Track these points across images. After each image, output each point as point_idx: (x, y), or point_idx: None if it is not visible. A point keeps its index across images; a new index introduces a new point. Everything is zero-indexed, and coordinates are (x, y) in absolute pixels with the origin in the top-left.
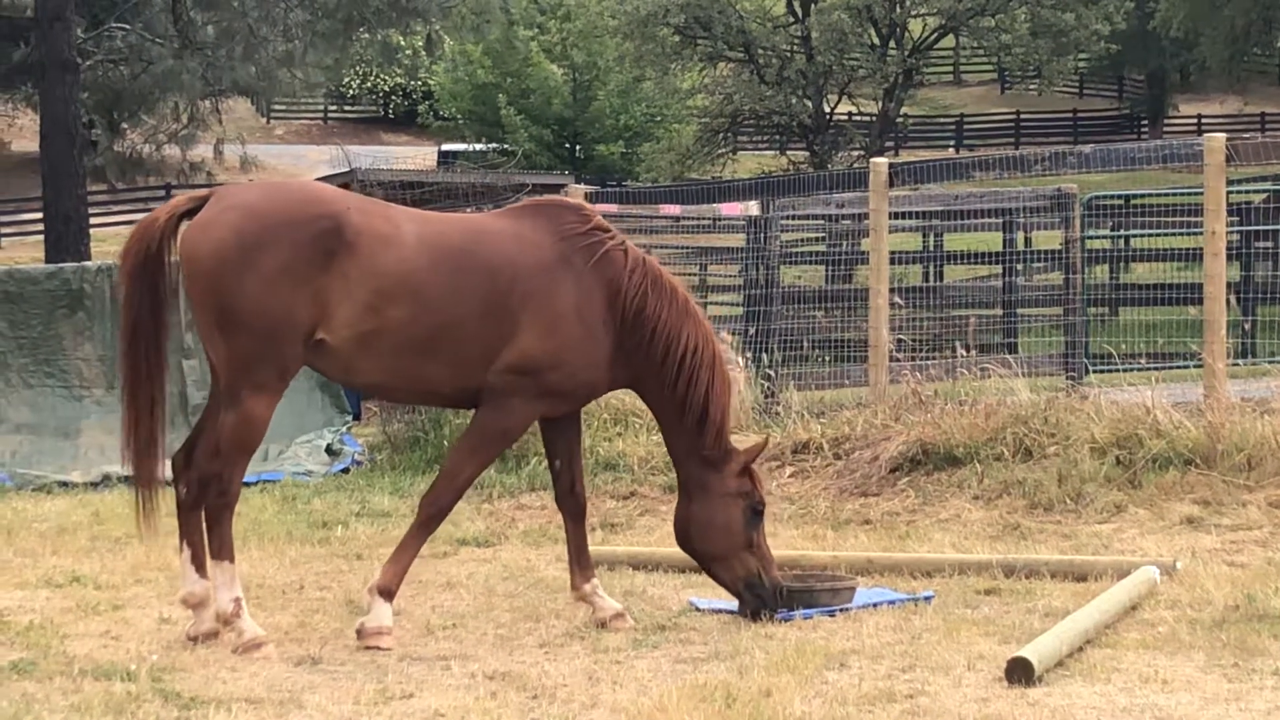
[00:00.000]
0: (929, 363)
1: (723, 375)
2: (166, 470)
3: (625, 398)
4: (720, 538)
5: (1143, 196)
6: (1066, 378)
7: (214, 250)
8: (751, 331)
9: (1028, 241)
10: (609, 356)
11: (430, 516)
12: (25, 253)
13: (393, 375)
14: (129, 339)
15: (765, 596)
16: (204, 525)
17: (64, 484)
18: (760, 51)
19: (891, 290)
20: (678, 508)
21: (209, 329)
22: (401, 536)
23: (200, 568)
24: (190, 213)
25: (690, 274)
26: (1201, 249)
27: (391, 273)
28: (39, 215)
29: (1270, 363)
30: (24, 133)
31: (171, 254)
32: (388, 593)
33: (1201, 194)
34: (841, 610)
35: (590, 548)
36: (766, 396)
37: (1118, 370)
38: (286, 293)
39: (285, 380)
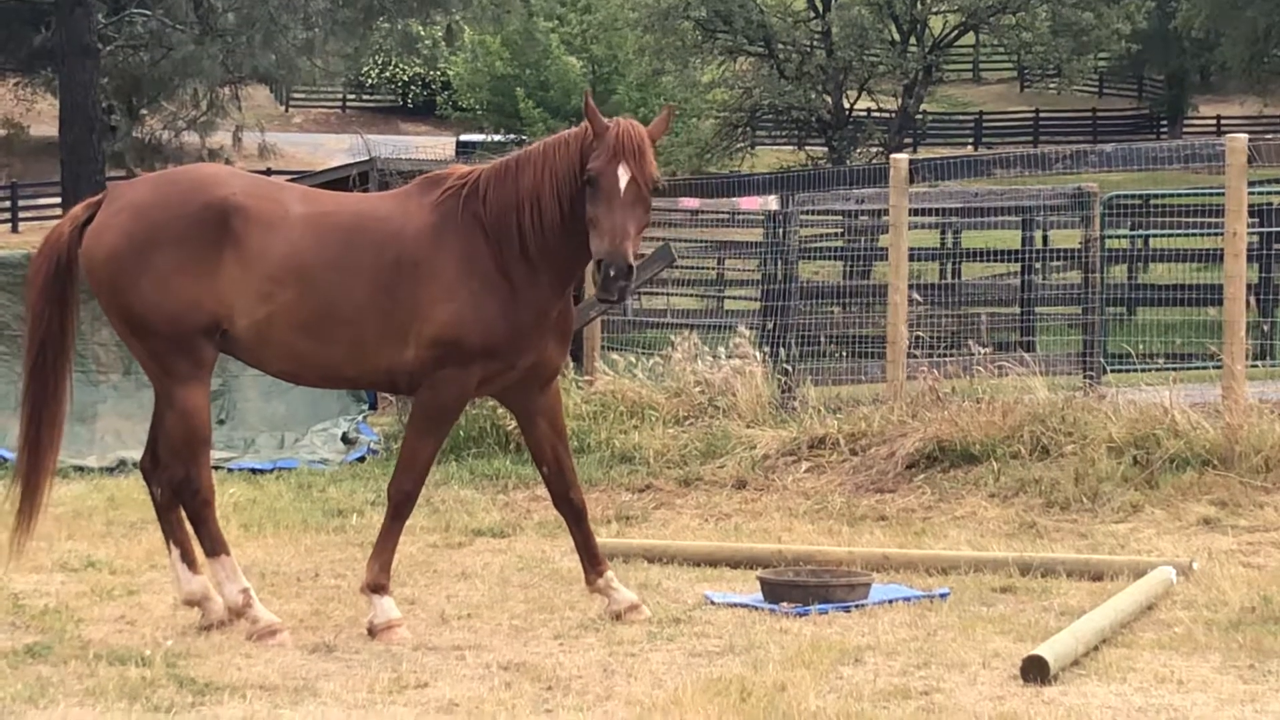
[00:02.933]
0: (946, 360)
1: (559, 149)
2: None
3: (642, 390)
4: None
5: (1162, 196)
6: (1084, 377)
7: (108, 256)
8: (769, 326)
9: (1046, 240)
10: (515, 299)
11: (399, 505)
12: (43, 237)
13: (295, 360)
14: (35, 356)
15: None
16: (186, 524)
17: (80, 468)
18: (780, 46)
19: (910, 287)
20: None
21: (122, 331)
22: (379, 531)
23: (191, 564)
24: (90, 219)
25: (708, 268)
26: (1221, 250)
27: (276, 256)
28: (57, 200)
29: None
30: (43, 117)
31: (78, 265)
32: (379, 587)
33: (1221, 195)
34: (857, 606)
35: (605, 540)
36: (783, 391)
37: (1135, 370)
38: (183, 288)
39: (208, 368)
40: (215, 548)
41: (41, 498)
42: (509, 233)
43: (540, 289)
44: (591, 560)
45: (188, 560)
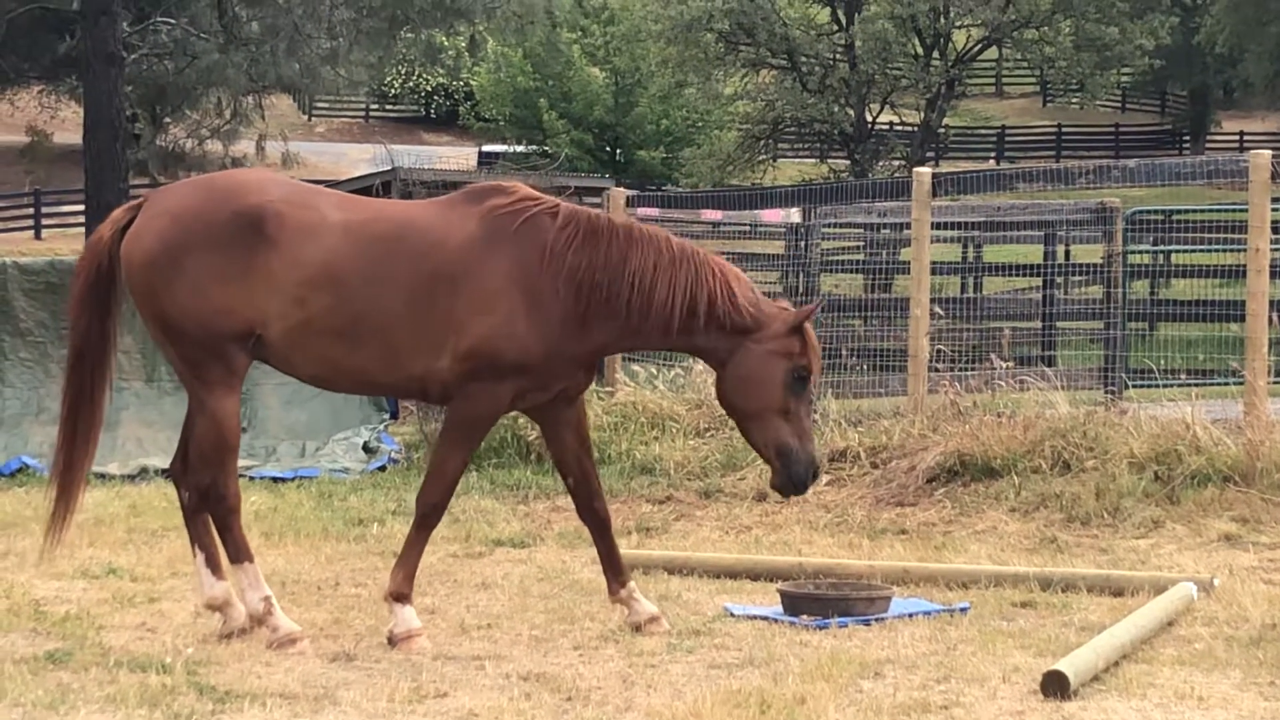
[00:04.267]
0: (968, 374)
1: (698, 264)
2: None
3: (663, 402)
4: (754, 393)
5: (1185, 212)
6: (1105, 392)
7: (144, 261)
8: None
9: (1068, 255)
10: (562, 322)
11: (425, 515)
12: (66, 244)
13: (327, 366)
14: (74, 362)
15: (797, 471)
16: (212, 528)
17: (101, 476)
18: (803, 59)
19: (931, 300)
20: (716, 378)
21: (156, 336)
22: (405, 540)
23: (216, 569)
24: (130, 223)
25: None
26: (1243, 265)
27: (312, 262)
28: (80, 207)
29: None
30: (67, 125)
31: (118, 272)
32: (402, 596)
33: (1244, 210)
34: (877, 620)
35: (626, 551)
36: None
37: (1157, 386)
38: (218, 293)
39: (238, 375)
40: (239, 554)
41: (74, 504)
42: (598, 293)
43: (586, 342)
44: (614, 571)
45: (212, 565)
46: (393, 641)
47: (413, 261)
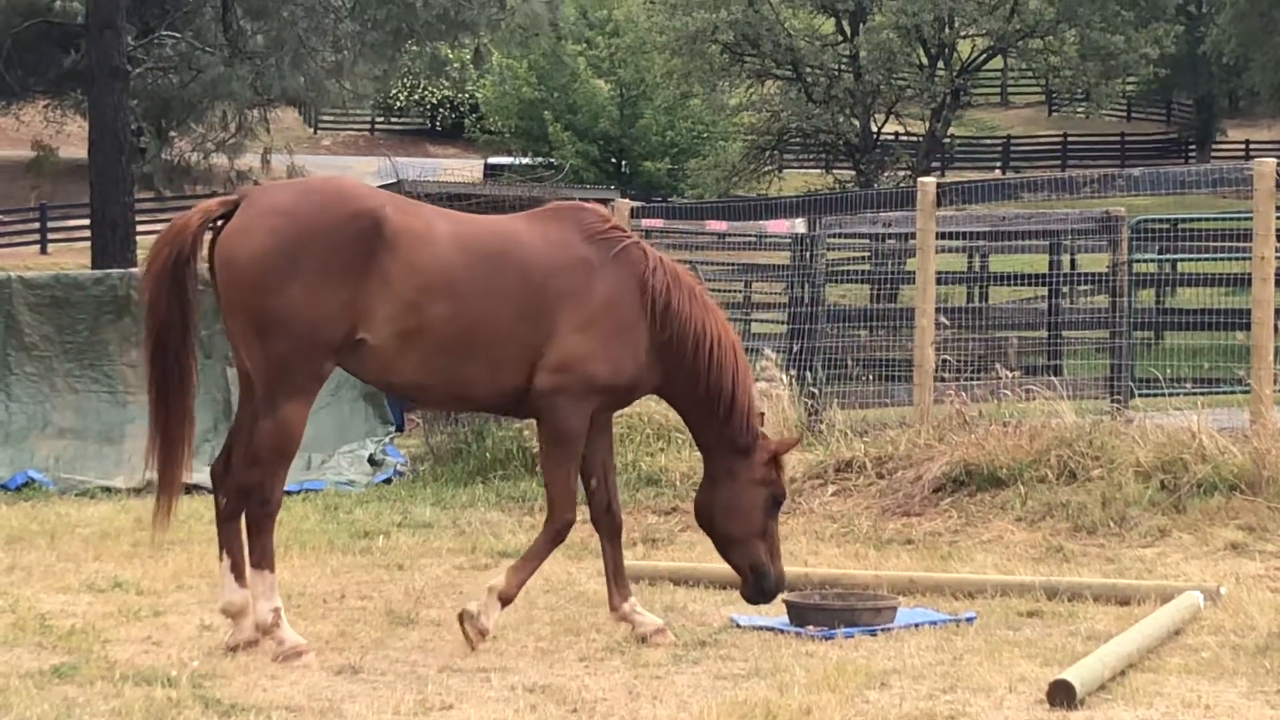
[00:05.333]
0: (973, 383)
1: (744, 364)
2: (191, 477)
3: (670, 414)
4: (741, 521)
5: (1190, 221)
6: (1111, 401)
7: (254, 256)
8: (796, 349)
9: (1073, 264)
10: (646, 350)
11: (559, 531)
12: (72, 259)
13: (431, 375)
14: (156, 345)
15: (768, 585)
16: (244, 534)
17: (107, 489)
18: (808, 70)
19: (937, 310)
20: (701, 489)
21: (246, 335)
22: (529, 548)
23: (240, 577)
24: (223, 217)
25: (735, 291)
26: (1249, 274)
27: (430, 269)
28: (86, 221)
29: None
30: (72, 139)
31: (198, 260)
32: (507, 599)
33: (1249, 219)
34: (883, 630)
35: (631, 562)
36: (810, 414)
37: (1163, 394)
38: (328, 294)
39: (319, 384)
40: (263, 561)
41: (176, 489)
42: (673, 338)
43: (655, 375)
44: (619, 583)
45: (236, 572)
46: (463, 618)
47: (521, 275)
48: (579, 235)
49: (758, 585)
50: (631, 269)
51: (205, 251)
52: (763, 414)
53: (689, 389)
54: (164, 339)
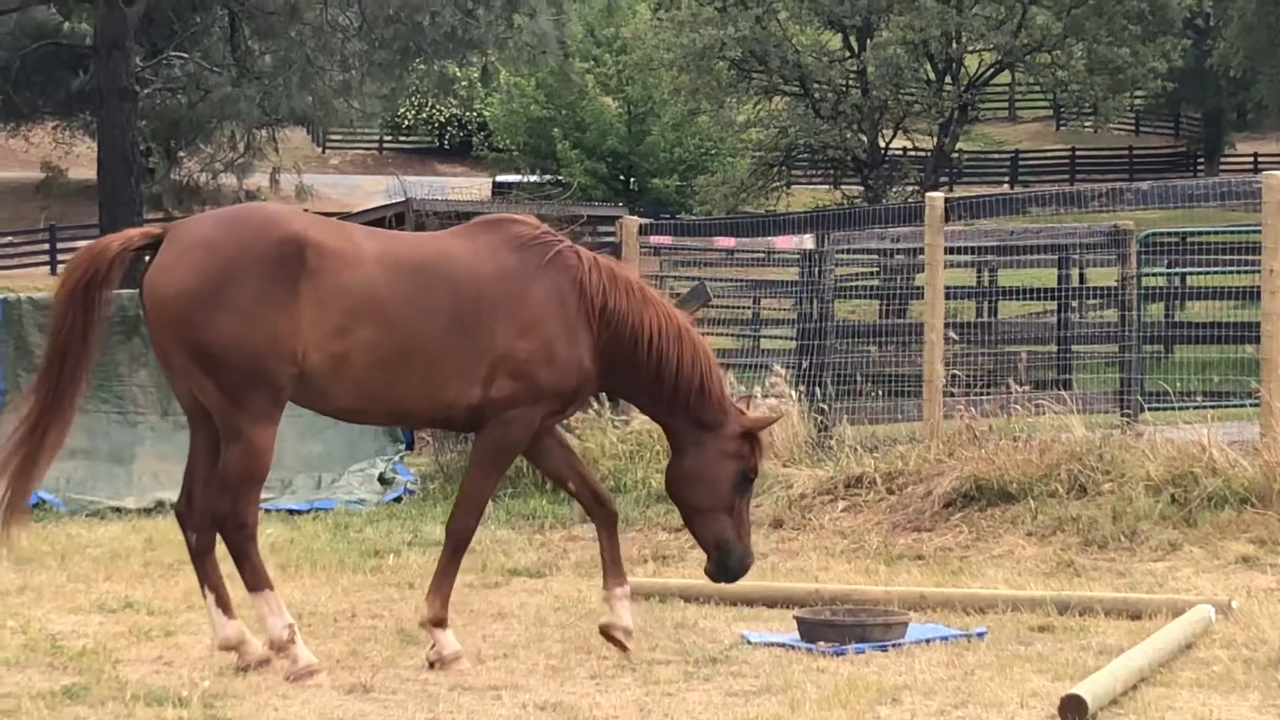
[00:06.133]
0: (983, 398)
1: (693, 345)
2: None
3: None
4: (705, 491)
5: (1199, 234)
6: (1121, 415)
7: (180, 293)
8: (805, 365)
9: (1082, 278)
10: (591, 353)
11: (460, 540)
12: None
13: (364, 398)
14: (50, 362)
15: (732, 562)
16: (219, 569)
17: (117, 509)
18: (816, 85)
19: (946, 325)
20: (671, 460)
21: (188, 371)
22: (436, 567)
23: (226, 609)
24: (143, 249)
25: (744, 307)
26: (1258, 287)
27: (357, 291)
28: None
29: None
30: (81, 160)
31: (114, 286)
32: (440, 621)
33: (1259, 232)
34: (894, 645)
35: (642, 580)
36: (820, 430)
37: (1173, 408)
38: (265, 321)
39: (281, 405)
40: (258, 582)
41: (24, 499)
42: (617, 337)
43: (600, 377)
44: (614, 570)
45: (223, 605)
46: (438, 665)
47: (451, 290)
48: (508, 245)
49: (721, 562)
50: (566, 273)
51: (119, 278)
52: (749, 397)
53: (636, 381)
54: (62, 361)
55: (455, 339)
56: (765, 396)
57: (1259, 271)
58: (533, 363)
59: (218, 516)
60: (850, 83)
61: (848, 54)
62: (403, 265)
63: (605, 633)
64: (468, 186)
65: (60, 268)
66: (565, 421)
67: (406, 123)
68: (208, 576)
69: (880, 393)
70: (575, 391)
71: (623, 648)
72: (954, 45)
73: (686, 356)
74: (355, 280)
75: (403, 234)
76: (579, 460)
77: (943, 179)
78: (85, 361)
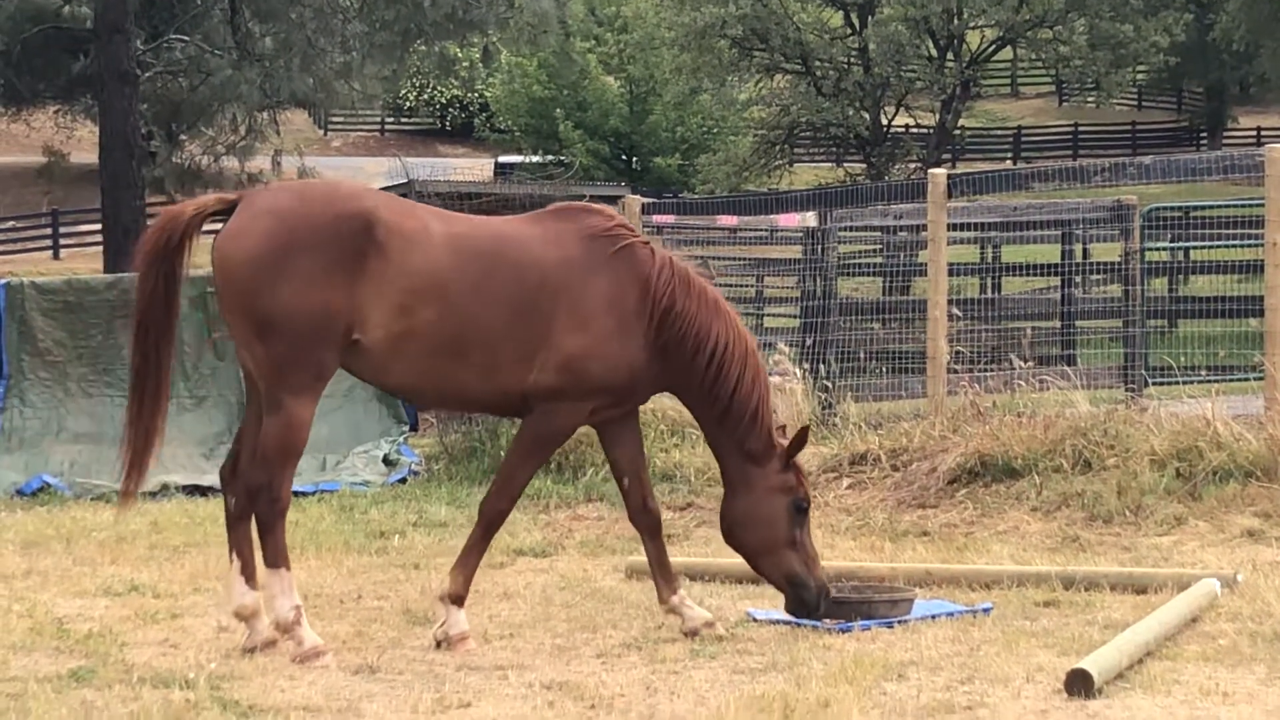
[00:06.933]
0: (987, 374)
1: (755, 370)
2: (204, 479)
3: (683, 410)
4: (764, 533)
5: (1203, 208)
6: (1126, 390)
7: (247, 258)
8: (809, 343)
9: (1086, 253)
10: (646, 352)
11: (492, 521)
12: (84, 264)
13: (423, 378)
14: (139, 327)
15: (808, 596)
16: (253, 536)
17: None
18: (817, 63)
19: (949, 302)
20: (723, 502)
21: (246, 336)
22: (463, 544)
23: (250, 579)
24: (218, 214)
25: (747, 285)
26: (1262, 261)
27: (421, 272)
28: (98, 226)
29: None
30: (83, 145)
31: (190, 250)
32: (459, 599)
33: (1262, 205)
34: (900, 622)
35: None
36: (824, 408)
37: (1177, 382)
38: (321, 295)
39: (323, 382)
40: (278, 559)
41: (145, 466)
42: (679, 341)
43: (660, 375)
44: (665, 577)
45: (247, 574)
46: (444, 643)
47: (515, 276)
48: (578, 235)
49: (797, 597)
50: (631, 269)
51: (194, 243)
52: (783, 427)
53: (691, 390)
54: (147, 325)
55: (515, 326)
56: (769, 374)
57: (1262, 245)
58: (583, 356)
59: (253, 487)
60: (852, 60)
61: (849, 31)
62: (469, 249)
63: (694, 636)
64: (470, 168)
65: (63, 252)
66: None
67: (408, 104)
68: (238, 543)
69: (884, 370)
70: (626, 388)
71: (719, 637)
72: (956, 21)
73: (747, 378)
74: (421, 261)
75: (473, 217)
76: (643, 461)
77: (945, 156)
78: (170, 327)
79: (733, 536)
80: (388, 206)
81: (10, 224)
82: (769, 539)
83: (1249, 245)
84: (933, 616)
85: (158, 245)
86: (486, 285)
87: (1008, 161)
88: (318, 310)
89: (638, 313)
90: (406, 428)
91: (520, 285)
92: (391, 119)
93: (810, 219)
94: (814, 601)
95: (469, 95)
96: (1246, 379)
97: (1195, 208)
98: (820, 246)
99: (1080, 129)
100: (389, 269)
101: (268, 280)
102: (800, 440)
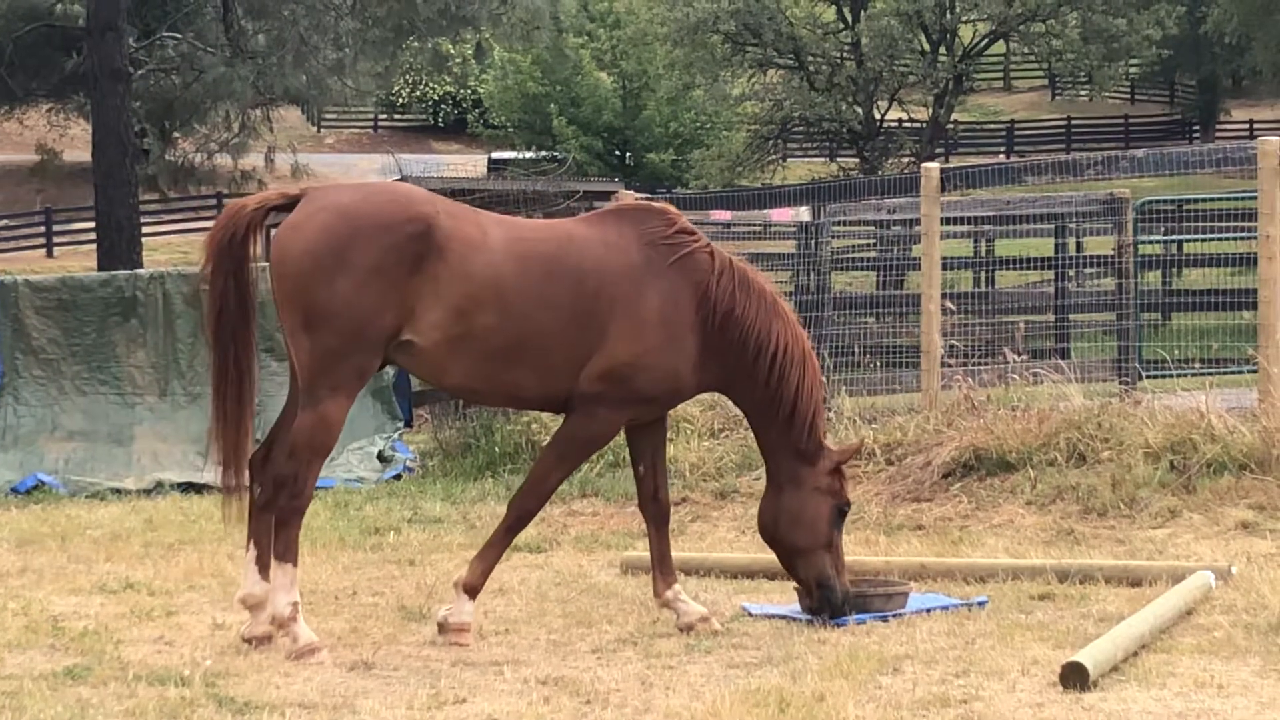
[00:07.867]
0: (981, 368)
1: (814, 372)
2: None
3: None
4: (806, 532)
5: (1196, 201)
6: (1120, 383)
7: (305, 250)
8: None
9: (1079, 247)
10: (694, 360)
11: (518, 519)
12: (78, 261)
13: (480, 380)
14: (215, 327)
15: (834, 599)
16: (271, 531)
17: (117, 491)
18: (810, 58)
19: (943, 296)
20: (765, 499)
21: (295, 329)
22: (489, 537)
23: (264, 570)
24: (279, 208)
25: None
26: (1255, 253)
27: (480, 278)
28: (91, 224)
29: None
30: (76, 142)
31: (255, 243)
32: (473, 590)
33: (1255, 198)
34: (895, 615)
35: (642, 553)
36: None
37: (1171, 375)
38: (375, 294)
39: (362, 381)
40: (287, 554)
41: (240, 476)
42: (735, 345)
43: (705, 378)
44: (663, 570)
45: (260, 564)
46: (444, 628)
47: (574, 282)
48: (638, 240)
49: (824, 600)
50: (689, 276)
51: (258, 236)
52: (861, 441)
53: (750, 392)
54: (222, 323)
55: (571, 331)
56: None
57: (1256, 237)
58: (630, 365)
59: (279, 479)
60: (844, 55)
61: (842, 26)
62: (527, 255)
63: (690, 631)
64: (463, 164)
65: (56, 250)
66: None
67: (401, 101)
68: (256, 533)
69: (878, 364)
70: (668, 397)
71: (715, 632)
72: (948, 15)
73: (807, 382)
74: (479, 267)
75: (531, 221)
76: (663, 452)
77: (938, 150)
78: (249, 315)
79: (774, 531)
80: (448, 212)
81: (4, 222)
82: (810, 539)
83: (1242, 238)
84: (927, 610)
85: (221, 242)
86: (545, 291)
87: (1000, 155)
88: (368, 309)
89: (691, 324)
90: (401, 424)
91: (579, 292)
92: (385, 115)
93: (804, 214)
94: (839, 606)
95: (462, 91)
96: (1240, 372)
97: (1188, 201)
98: (814, 241)
99: (1073, 122)
100: (448, 273)
101: (323, 274)
102: (854, 450)
